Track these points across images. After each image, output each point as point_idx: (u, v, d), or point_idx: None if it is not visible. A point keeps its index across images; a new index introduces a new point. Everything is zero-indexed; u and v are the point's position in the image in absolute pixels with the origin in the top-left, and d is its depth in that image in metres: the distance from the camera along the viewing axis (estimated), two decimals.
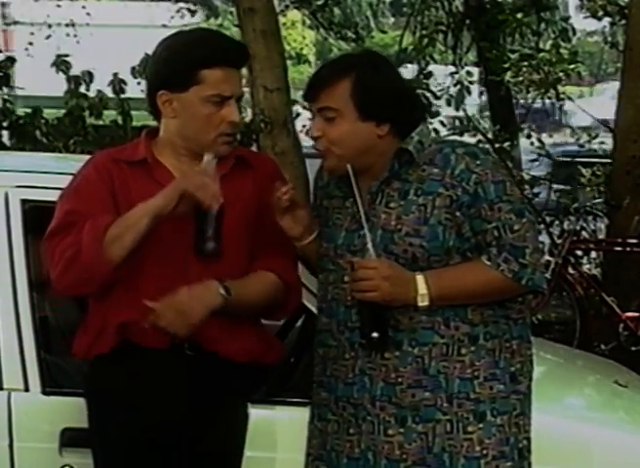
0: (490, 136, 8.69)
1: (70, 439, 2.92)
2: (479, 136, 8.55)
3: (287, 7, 10.39)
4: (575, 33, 9.71)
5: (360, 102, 2.60)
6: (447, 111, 9.42)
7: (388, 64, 2.73)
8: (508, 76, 8.67)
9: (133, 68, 7.04)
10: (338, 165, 2.65)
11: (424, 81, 8.44)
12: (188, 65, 2.66)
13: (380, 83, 2.63)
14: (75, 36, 12.25)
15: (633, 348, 6.25)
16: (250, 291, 2.72)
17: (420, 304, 2.55)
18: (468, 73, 9.09)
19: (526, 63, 8.34)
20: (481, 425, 2.60)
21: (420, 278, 2.55)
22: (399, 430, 2.60)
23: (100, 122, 6.72)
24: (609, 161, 7.29)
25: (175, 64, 2.69)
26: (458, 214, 2.57)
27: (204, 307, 2.62)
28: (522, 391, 2.67)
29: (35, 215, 3.07)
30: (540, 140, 8.60)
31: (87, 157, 2.88)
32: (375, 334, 2.55)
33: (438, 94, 8.67)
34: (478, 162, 2.59)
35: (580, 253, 7.03)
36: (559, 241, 7.03)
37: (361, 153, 2.63)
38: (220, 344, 2.70)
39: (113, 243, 2.60)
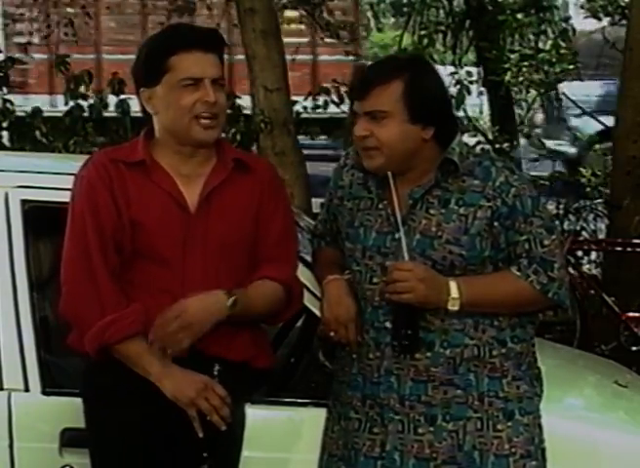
0: (490, 136, 8.68)
1: (70, 439, 2.92)
2: (479, 137, 8.53)
3: (285, 7, 10.36)
4: (574, 33, 9.69)
5: (411, 104, 2.62)
6: None
7: (435, 70, 2.78)
8: (508, 76, 8.67)
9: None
10: (384, 165, 2.65)
11: None
12: (156, 57, 2.71)
13: (431, 86, 2.66)
14: None
15: (633, 348, 6.22)
16: (255, 302, 2.73)
17: (451, 308, 2.59)
18: (468, 73, 9.07)
19: (526, 63, 8.34)
20: (510, 424, 2.64)
21: (452, 283, 2.59)
22: (429, 429, 2.63)
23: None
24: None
25: (145, 60, 2.74)
26: (496, 224, 2.62)
27: (209, 320, 2.62)
28: (539, 394, 2.74)
29: (35, 216, 3.07)
30: (540, 140, 8.58)
31: (87, 157, 2.88)
32: (408, 333, 2.58)
33: None
34: (516, 176, 2.66)
35: (580, 253, 7.02)
36: None
37: (407, 156, 2.64)
38: (213, 345, 2.68)
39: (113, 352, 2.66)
